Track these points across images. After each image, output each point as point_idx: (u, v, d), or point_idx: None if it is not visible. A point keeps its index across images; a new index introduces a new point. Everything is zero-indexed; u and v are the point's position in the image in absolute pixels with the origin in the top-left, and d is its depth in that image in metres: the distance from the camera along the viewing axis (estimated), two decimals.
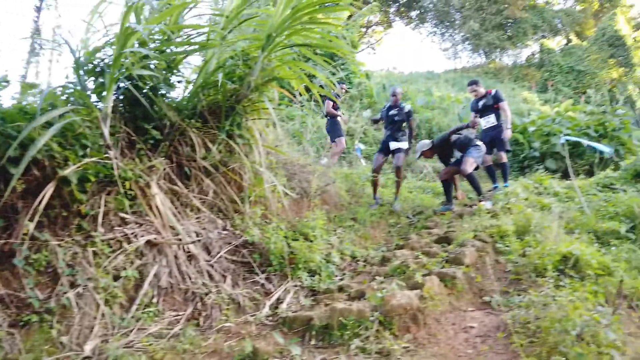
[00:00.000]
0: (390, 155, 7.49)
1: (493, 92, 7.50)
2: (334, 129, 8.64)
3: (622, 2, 26.82)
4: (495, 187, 7.07)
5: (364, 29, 28.61)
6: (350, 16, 14.67)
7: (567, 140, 8.72)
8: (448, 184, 6.82)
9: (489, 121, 7.43)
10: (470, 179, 6.41)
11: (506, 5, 24.58)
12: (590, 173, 9.39)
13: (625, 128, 10.12)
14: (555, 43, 26.17)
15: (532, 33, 25.18)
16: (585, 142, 8.81)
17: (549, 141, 10.24)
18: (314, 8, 4.49)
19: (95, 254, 3.24)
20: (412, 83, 19.75)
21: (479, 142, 6.64)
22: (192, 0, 4.43)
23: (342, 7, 6.28)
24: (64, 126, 3.24)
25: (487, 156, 7.17)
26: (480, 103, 7.52)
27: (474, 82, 7.84)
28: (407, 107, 7.35)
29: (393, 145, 7.25)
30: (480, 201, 6.17)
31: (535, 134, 10.81)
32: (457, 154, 6.88)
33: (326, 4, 4.77)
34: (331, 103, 8.39)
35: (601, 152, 9.14)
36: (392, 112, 7.32)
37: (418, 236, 5.53)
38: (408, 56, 72.78)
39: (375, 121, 8.12)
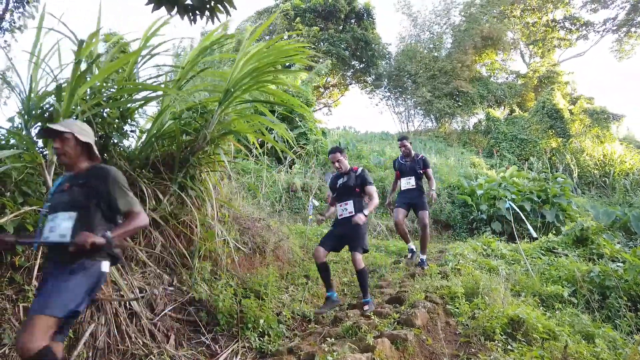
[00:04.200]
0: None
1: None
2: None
3: (558, 79, 29.37)
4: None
5: (321, 89, 29.58)
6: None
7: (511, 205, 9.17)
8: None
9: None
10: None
11: (455, 78, 26.25)
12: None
13: (565, 195, 10.72)
14: (500, 112, 27.92)
15: (479, 102, 26.84)
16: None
17: (495, 205, 10.66)
18: (272, 68, 4.62)
19: (26, 310, 3.00)
20: (367, 142, 20.38)
21: None
22: (144, 47, 4.43)
23: (298, 70, 6.50)
24: (4, 172, 3.08)
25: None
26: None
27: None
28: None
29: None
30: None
31: (483, 198, 11.25)
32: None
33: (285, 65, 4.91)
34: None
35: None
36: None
37: (370, 295, 5.48)
38: (364, 117, 75.57)
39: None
